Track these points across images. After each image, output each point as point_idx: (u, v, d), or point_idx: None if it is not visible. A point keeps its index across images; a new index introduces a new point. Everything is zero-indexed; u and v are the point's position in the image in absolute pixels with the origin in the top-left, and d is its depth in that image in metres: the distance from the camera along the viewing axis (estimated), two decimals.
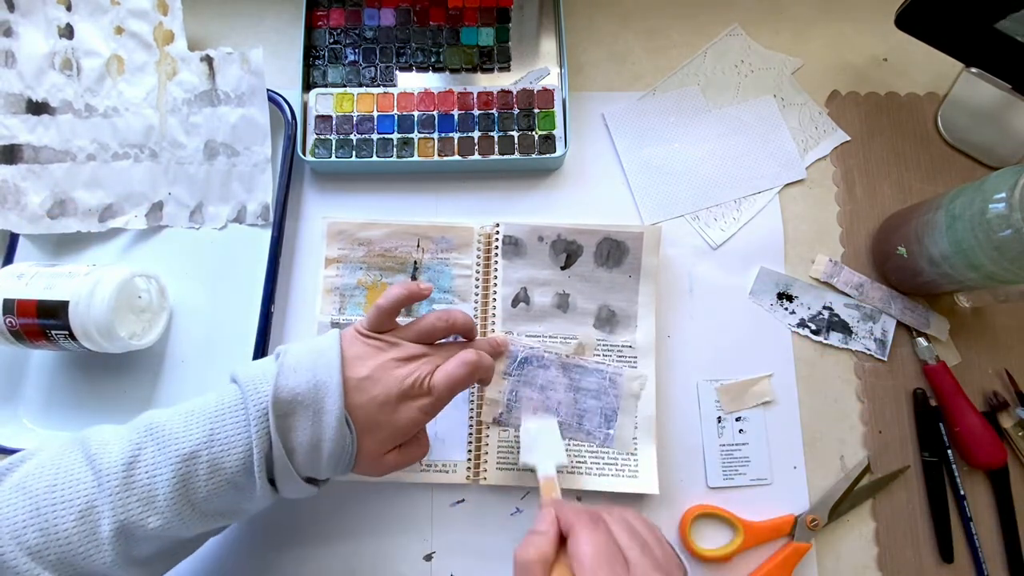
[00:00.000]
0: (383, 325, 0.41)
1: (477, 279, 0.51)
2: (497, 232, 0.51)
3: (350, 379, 0.37)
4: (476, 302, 0.51)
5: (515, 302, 0.50)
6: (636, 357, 0.49)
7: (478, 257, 0.52)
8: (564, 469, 0.46)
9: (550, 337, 0.50)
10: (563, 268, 0.51)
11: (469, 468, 0.48)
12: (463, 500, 0.48)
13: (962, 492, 0.48)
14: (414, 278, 0.51)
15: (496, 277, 0.51)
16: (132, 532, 0.32)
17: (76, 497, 0.32)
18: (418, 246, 0.52)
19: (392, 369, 0.38)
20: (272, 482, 0.36)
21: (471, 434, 0.49)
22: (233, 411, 0.35)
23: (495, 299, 0.50)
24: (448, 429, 0.48)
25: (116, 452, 0.33)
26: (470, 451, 0.48)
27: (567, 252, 0.51)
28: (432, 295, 0.51)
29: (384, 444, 0.38)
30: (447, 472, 0.48)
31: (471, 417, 0.49)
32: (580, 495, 0.48)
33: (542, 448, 0.45)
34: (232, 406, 0.35)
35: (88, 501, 0.32)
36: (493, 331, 0.50)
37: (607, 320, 0.51)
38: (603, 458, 0.48)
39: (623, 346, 0.50)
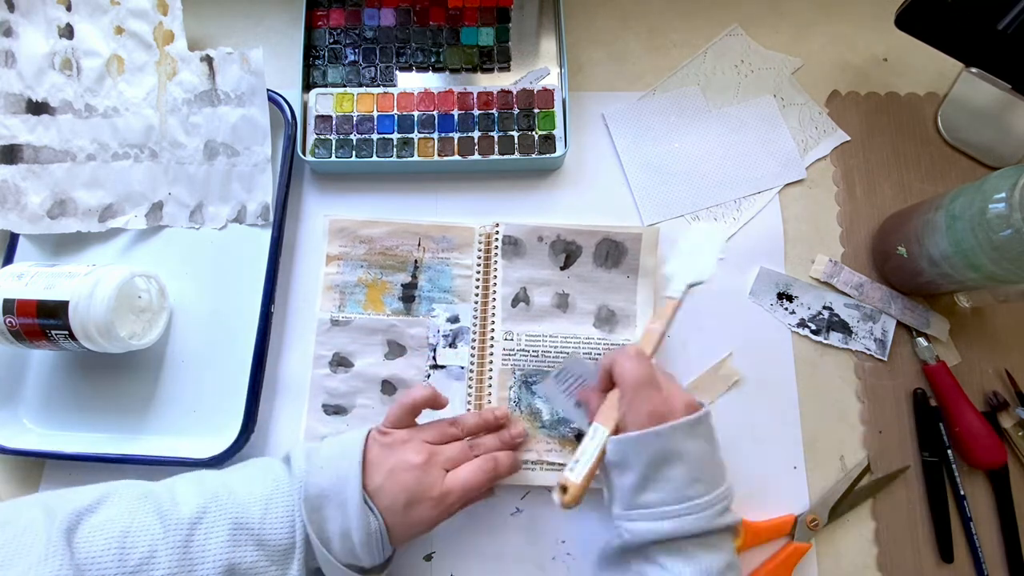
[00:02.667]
0: (402, 422, 0.44)
1: (477, 279, 0.51)
2: (497, 232, 0.51)
3: (368, 486, 0.39)
4: (476, 302, 0.51)
5: (515, 302, 0.50)
6: None
7: (479, 257, 0.52)
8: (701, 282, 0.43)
9: (550, 337, 0.50)
10: (562, 268, 0.51)
11: None
12: None
13: (962, 492, 0.48)
14: (414, 277, 0.51)
15: (496, 277, 0.51)
16: None
17: (144, 542, 0.35)
18: (419, 245, 0.52)
19: (407, 471, 0.40)
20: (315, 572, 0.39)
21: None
22: (282, 487, 0.39)
23: (495, 299, 0.50)
24: None
25: (183, 510, 0.37)
26: None
27: (566, 252, 0.51)
28: (432, 294, 0.51)
29: (414, 535, 0.41)
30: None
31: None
32: None
33: (692, 259, 0.44)
34: (280, 480, 0.40)
35: (151, 548, 0.35)
36: (493, 331, 0.50)
37: (606, 320, 0.51)
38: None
39: (623, 345, 0.50)
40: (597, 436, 0.39)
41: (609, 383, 0.40)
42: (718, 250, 0.44)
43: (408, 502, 0.39)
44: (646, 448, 0.36)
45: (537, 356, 0.49)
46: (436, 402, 0.44)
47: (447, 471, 0.41)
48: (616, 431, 0.38)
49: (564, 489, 0.38)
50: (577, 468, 0.38)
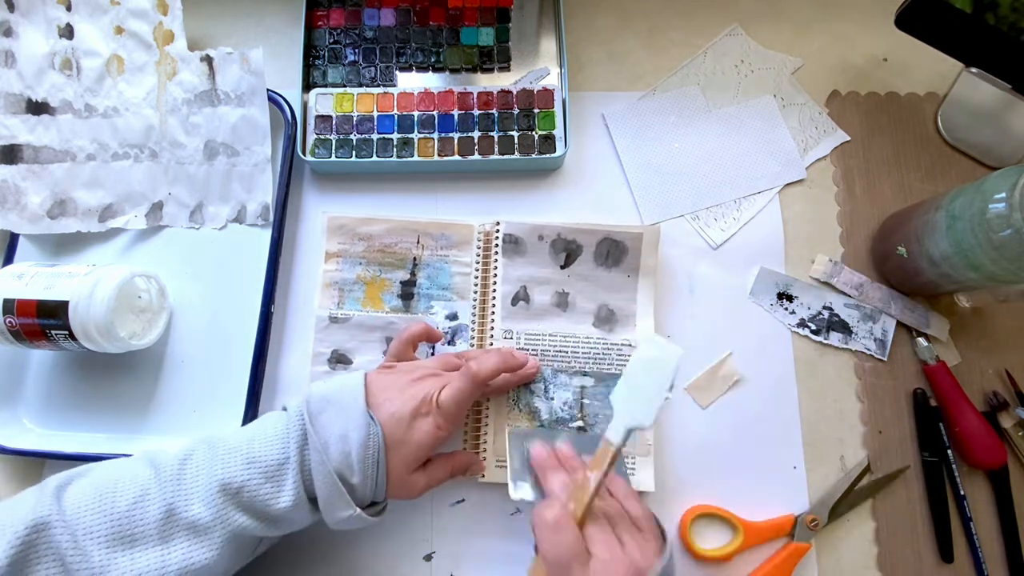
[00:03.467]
0: (402, 355, 0.45)
1: (476, 277, 0.51)
2: (497, 230, 0.51)
3: (371, 401, 0.40)
4: (475, 300, 0.51)
5: (515, 300, 0.50)
6: None
7: (478, 255, 0.52)
8: (640, 431, 0.38)
9: (549, 336, 0.50)
10: (563, 267, 0.51)
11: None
12: (463, 500, 0.48)
13: (962, 492, 0.48)
14: (413, 274, 0.51)
15: (496, 275, 0.51)
16: (176, 516, 0.36)
17: (135, 486, 0.36)
18: (418, 242, 0.52)
19: (405, 388, 0.41)
20: (311, 502, 0.39)
21: (467, 431, 0.48)
22: (274, 417, 0.40)
23: (494, 297, 0.50)
24: None
25: (174, 453, 0.38)
26: (465, 448, 0.48)
27: (567, 251, 0.51)
28: (431, 291, 0.51)
29: (408, 462, 0.40)
30: None
31: (467, 414, 0.49)
32: None
33: (636, 394, 0.37)
34: (274, 415, 0.40)
35: (143, 488, 0.36)
36: (492, 330, 0.50)
37: (606, 319, 0.51)
38: None
39: (622, 345, 0.50)
40: None
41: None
42: (668, 381, 0.37)
43: (413, 413, 0.40)
44: None
45: (536, 355, 0.49)
46: (431, 335, 0.47)
47: (441, 388, 0.41)
48: None
49: None
50: None
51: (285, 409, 0.40)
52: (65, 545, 0.33)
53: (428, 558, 0.47)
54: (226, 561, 0.37)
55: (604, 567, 0.34)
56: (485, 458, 0.47)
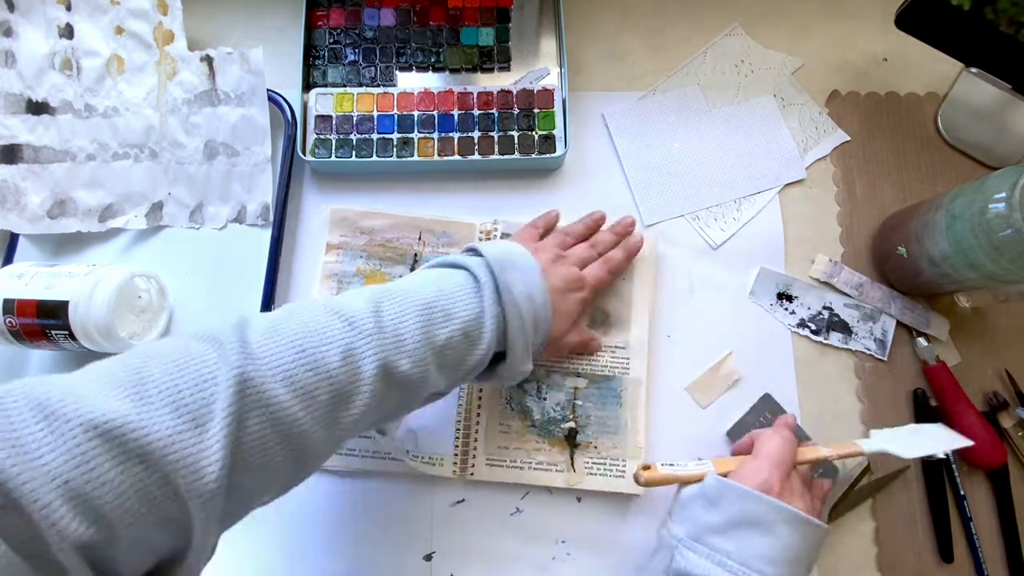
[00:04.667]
0: (533, 238, 0.49)
1: None
2: (496, 229, 0.51)
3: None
4: None
5: None
6: (629, 358, 0.49)
7: None
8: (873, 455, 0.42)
9: None
10: None
11: (456, 463, 0.48)
12: (463, 500, 0.48)
13: (962, 492, 0.48)
14: (413, 270, 0.51)
15: None
16: (390, 373, 0.34)
17: (335, 340, 0.33)
18: (419, 239, 0.52)
19: (558, 264, 0.45)
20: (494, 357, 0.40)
21: (459, 428, 0.48)
22: (455, 274, 0.40)
23: None
24: (436, 422, 0.48)
25: (360, 305, 0.35)
26: (457, 445, 0.48)
27: None
28: None
29: (561, 328, 0.44)
30: (433, 464, 0.48)
31: (459, 410, 0.49)
32: (580, 495, 0.48)
33: (904, 438, 0.43)
34: (453, 272, 0.40)
35: (347, 344, 0.33)
36: None
37: (601, 322, 0.51)
38: (592, 456, 0.48)
39: (616, 347, 0.50)
40: (704, 466, 0.40)
41: (745, 451, 0.42)
42: (938, 450, 0.41)
43: (565, 288, 0.44)
44: (744, 505, 0.36)
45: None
46: (551, 220, 0.50)
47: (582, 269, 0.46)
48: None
49: (647, 467, 0.40)
50: (669, 468, 0.40)
51: (456, 266, 0.40)
52: (281, 408, 0.30)
53: (428, 558, 0.47)
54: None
55: (793, 487, 0.39)
56: (475, 457, 0.47)
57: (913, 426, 0.46)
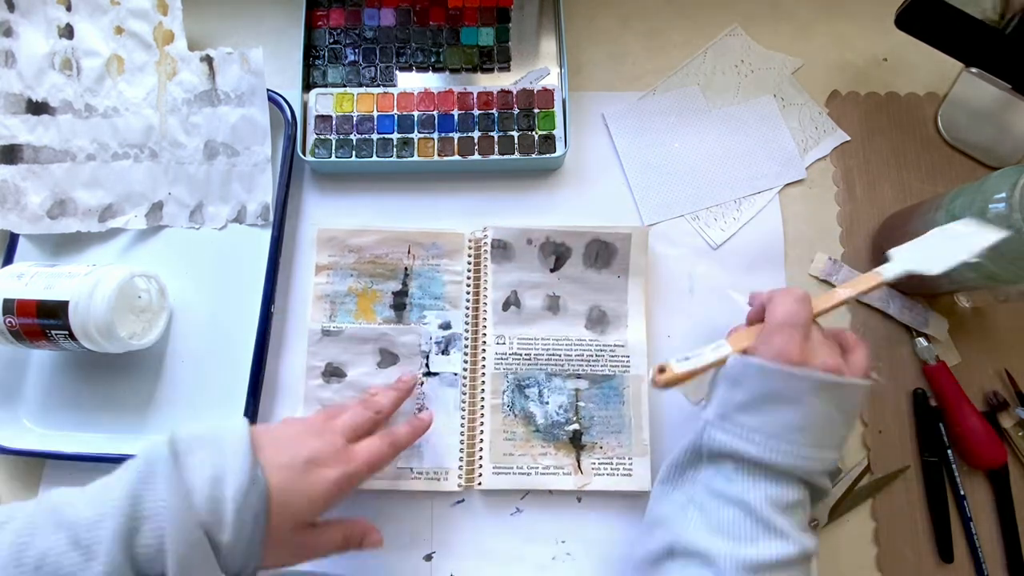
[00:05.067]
0: None
1: (468, 285, 0.51)
2: (485, 236, 0.51)
3: (257, 443, 0.34)
4: (467, 308, 0.51)
5: (506, 305, 0.50)
6: (628, 356, 0.49)
7: (469, 263, 0.51)
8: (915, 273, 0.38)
9: (542, 340, 0.50)
10: (552, 270, 0.51)
11: (460, 475, 0.47)
12: (463, 500, 0.48)
13: (962, 492, 0.48)
14: (405, 285, 0.51)
15: (486, 281, 0.51)
16: None
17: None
18: (409, 253, 0.51)
19: (302, 436, 0.37)
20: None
21: (463, 439, 0.48)
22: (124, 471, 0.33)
23: (486, 304, 0.50)
24: (439, 435, 0.48)
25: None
26: (461, 457, 0.48)
27: (556, 254, 0.51)
28: (424, 301, 0.51)
29: (297, 518, 0.34)
30: (438, 480, 0.47)
31: (462, 420, 0.49)
32: (580, 496, 0.48)
33: (926, 250, 0.39)
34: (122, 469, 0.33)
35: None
36: (485, 336, 0.50)
37: (598, 320, 0.51)
38: (599, 457, 0.48)
39: (615, 346, 0.50)
40: (720, 350, 0.38)
41: (759, 317, 0.39)
42: (969, 254, 0.38)
43: (309, 460, 0.35)
44: (766, 380, 0.36)
45: (529, 359, 0.49)
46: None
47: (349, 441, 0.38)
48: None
49: (662, 370, 0.38)
50: (684, 364, 0.38)
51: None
52: None
53: (428, 558, 0.47)
54: None
55: (815, 345, 0.37)
56: (482, 467, 0.47)
57: (937, 230, 0.40)
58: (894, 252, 0.39)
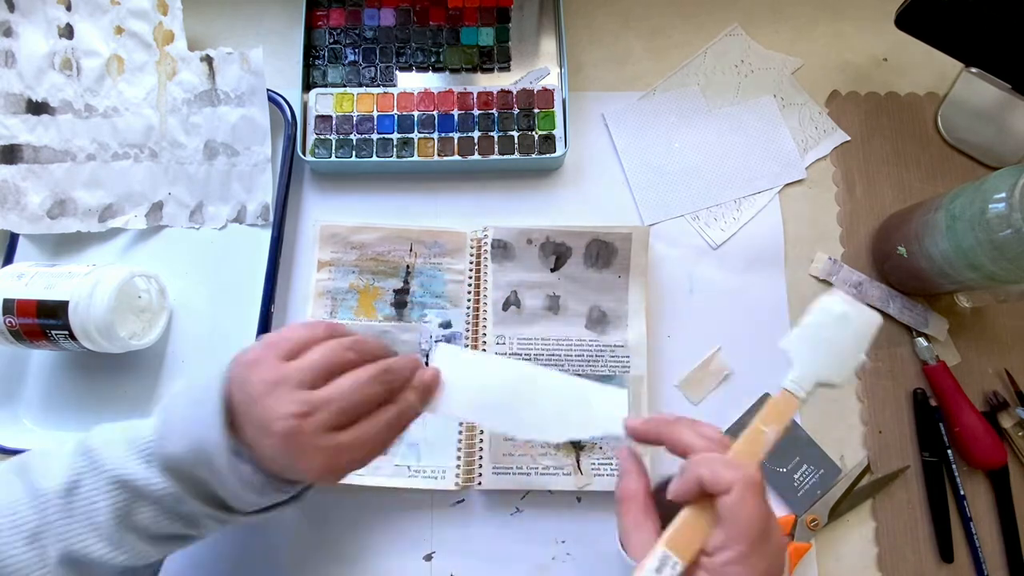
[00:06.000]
0: None
1: (469, 284, 0.51)
2: (486, 236, 0.51)
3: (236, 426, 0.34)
4: (468, 307, 0.51)
5: (506, 305, 0.50)
6: (628, 356, 0.49)
7: (471, 262, 0.51)
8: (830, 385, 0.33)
9: (542, 340, 0.50)
10: (553, 270, 0.51)
11: (458, 475, 0.47)
12: (463, 500, 0.48)
13: (962, 492, 0.48)
14: (406, 283, 0.51)
15: (486, 281, 0.51)
16: (78, 559, 0.31)
17: (22, 524, 0.31)
18: (411, 250, 0.51)
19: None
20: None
21: (461, 438, 0.48)
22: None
23: (486, 304, 0.50)
24: (438, 434, 0.48)
25: (57, 476, 0.33)
26: (459, 456, 0.48)
27: (556, 254, 0.51)
28: (425, 299, 0.51)
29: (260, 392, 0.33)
30: (436, 478, 0.47)
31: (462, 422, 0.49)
32: (580, 496, 0.48)
33: (822, 348, 0.33)
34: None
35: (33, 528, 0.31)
36: (485, 335, 0.50)
37: (598, 321, 0.50)
38: (599, 457, 0.48)
39: (615, 346, 0.50)
40: (665, 569, 0.29)
41: (695, 496, 0.30)
42: (864, 344, 0.33)
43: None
44: None
45: (529, 359, 0.49)
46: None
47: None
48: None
49: None
50: None
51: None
52: None
53: (428, 558, 0.47)
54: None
55: (779, 539, 0.30)
56: (482, 467, 0.47)
57: (819, 311, 0.34)
58: (791, 350, 0.34)
